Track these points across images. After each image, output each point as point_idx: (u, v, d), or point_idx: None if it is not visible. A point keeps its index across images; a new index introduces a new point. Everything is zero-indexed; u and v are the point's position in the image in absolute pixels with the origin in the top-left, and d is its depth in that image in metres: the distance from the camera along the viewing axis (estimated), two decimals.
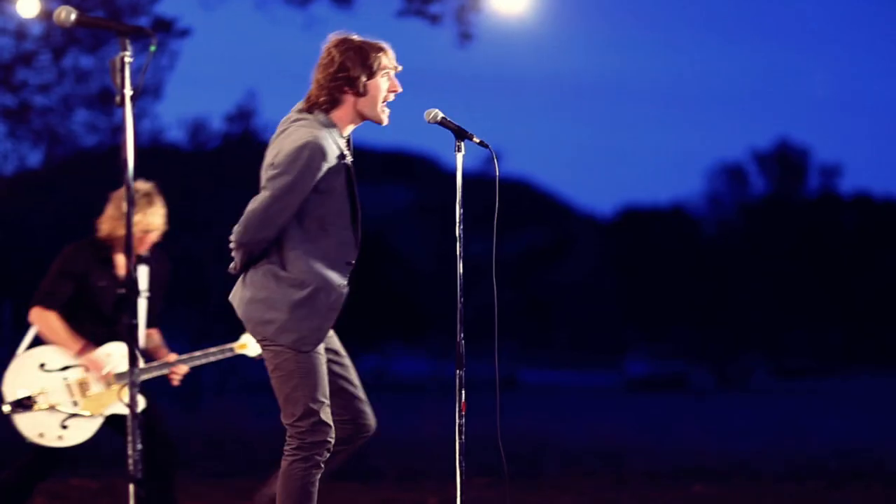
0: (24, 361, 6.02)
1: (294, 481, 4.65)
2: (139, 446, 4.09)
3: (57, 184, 19.04)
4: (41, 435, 5.95)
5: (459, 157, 4.74)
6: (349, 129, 4.77)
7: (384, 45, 4.74)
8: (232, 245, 4.74)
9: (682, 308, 55.55)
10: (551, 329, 58.45)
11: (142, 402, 6.12)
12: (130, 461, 4.07)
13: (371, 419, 4.97)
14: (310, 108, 4.73)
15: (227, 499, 8.81)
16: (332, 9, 13.54)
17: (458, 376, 4.65)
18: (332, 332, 4.88)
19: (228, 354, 6.20)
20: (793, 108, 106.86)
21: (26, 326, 6.16)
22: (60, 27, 4.23)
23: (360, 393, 4.95)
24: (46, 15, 4.34)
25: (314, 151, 4.58)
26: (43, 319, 6.04)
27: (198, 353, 6.22)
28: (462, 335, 4.68)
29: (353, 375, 4.94)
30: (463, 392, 4.65)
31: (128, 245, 4.06)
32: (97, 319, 6.10)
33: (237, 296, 4.77)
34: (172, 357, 6.24)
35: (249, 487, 9.30)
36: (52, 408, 5.96)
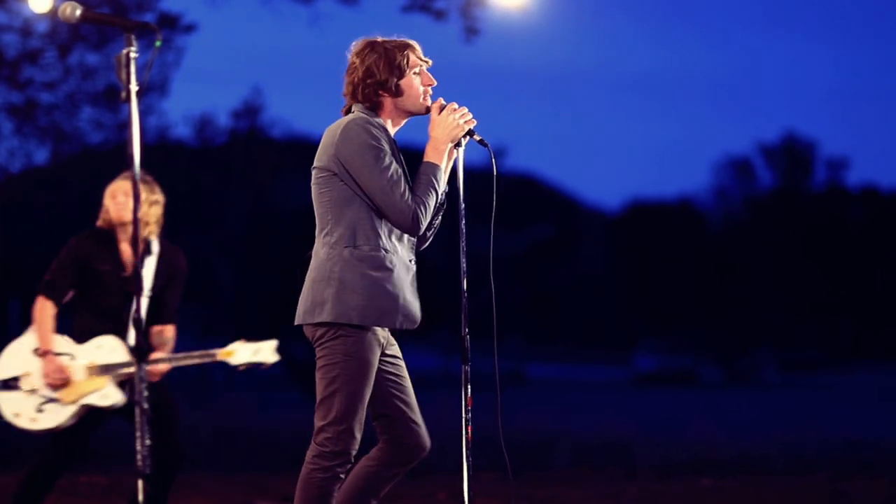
0: (20, 344, 6.11)
1: (312, 489, 4.62)
2: (147, 442, 4.09)
3: (64, 181, 19.07)
4: (17, 415, 6.04)
5: (460, 152, 4.75)
6: (394, 128, 4.73)
7: (410, 41, 4.71)
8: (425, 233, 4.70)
9: (689, 302, 55.54)
10: (559, 323, 58.45)
11: (117, 396, 6.11)
12: (139, 456, 4.08)
13: (423, 440, 4.79)
14: (349, 109, 4.70)
15: (235, 493, 8.81)
16: (338, 4, 13.52)
17: (463, 371, 4.64)
18: (394, 343, 4.78)
19: (208, 360, 6.20)
20: (799, 100, 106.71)
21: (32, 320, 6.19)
22: (66, 23, 4.23)
23: (415, 413, 4.78)
24: (52, 11, 4.34)
25: (359, 123, 4.57)
26: (39, 309, 6.10)
27: (180, 355, 6.22)
28: (467, 330, 4.67)
29: (407, 392, 4.78)
30: (469, 387, 4.64)
31: (134, 240, 4.06)
32: (102, 312, 6.11)
33: None
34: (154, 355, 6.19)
35: (257, 482, 9.33)
36: (32, 391, 6.03)
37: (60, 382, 6.03)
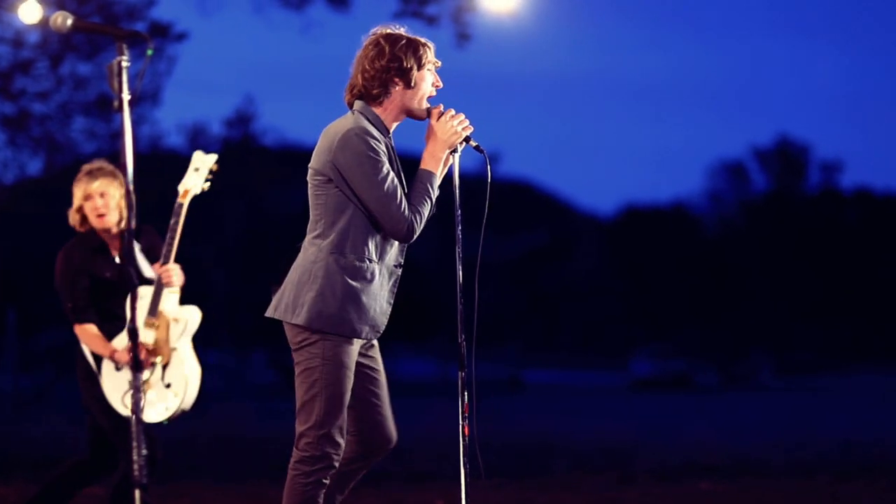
0: (109, 375, 5.89)
1: (296, 495, 4.61)
2: (144, 452, 4.07)
3: (57, 191, 19.03)
4: (167, 408, 5.89)
5: (456, 158, 4.73)
6: (393, 126, 4.71)
7: (428, 41, 4.74)
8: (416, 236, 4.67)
9: (685, 306, 55.55)
10: (555, 329, 58.44)
11: (188, 311, 6.00)
12: (135, 467, 4.06)
13: (389, 433, 4.82)
14: (355, 100, 4.66)
15: (233, 502, 8.78)
16: (330, 12, 13.56)
17: (460, 378, 4.63)
18: (375, 342, 4.79)
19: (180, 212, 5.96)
20: (792, 103, 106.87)
21: (30, 332, 6.12)
22: (57, 32, 4.23)
23: (384, 407, 4.81)
24: (44, 22, 4.34)
25: (358, 133, 4.53)
26: (84, 336, 5.93)
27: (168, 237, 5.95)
28: (463, 336, 4.65)
29: (381, 388, 4.80)
30: (465, 393, 4.62)
31: (128, 245, 4.04)
32: (113, 316, 5.93)
33: None
34: (156, 268, 5.98)
35: (255, 492, 9.30)
36: (148, 383, 5.90)
37: (147, 355, 5.89)
